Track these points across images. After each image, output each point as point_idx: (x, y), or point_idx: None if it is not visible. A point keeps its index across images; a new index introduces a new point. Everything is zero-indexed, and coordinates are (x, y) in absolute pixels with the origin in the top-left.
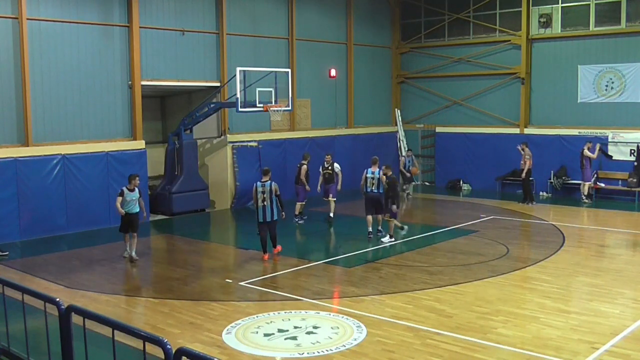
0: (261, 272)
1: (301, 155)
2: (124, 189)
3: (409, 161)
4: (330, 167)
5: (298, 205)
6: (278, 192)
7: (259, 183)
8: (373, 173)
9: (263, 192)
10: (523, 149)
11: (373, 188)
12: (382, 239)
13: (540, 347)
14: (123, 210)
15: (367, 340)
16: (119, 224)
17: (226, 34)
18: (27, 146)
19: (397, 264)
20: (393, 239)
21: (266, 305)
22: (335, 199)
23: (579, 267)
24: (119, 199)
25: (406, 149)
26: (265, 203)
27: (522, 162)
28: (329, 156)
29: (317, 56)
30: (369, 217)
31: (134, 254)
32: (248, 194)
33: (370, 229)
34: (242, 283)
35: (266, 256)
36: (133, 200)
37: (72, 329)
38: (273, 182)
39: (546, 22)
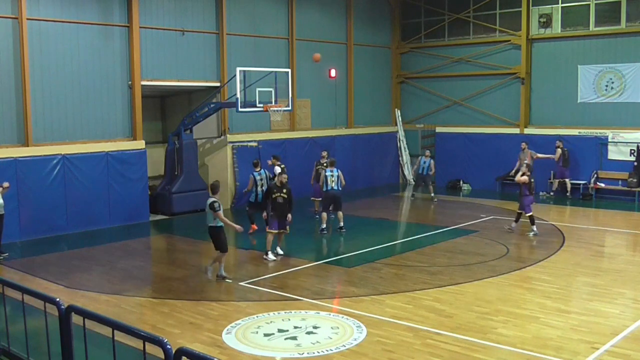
0: (261, 272)
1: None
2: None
3: (424, 162)
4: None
5: (317, 202)
6: (271, 177)
7: (255, 173)
8: (332, 171)
9: (261, 179)
10: (523, 149)
11: (333, 185)
12: (265, 257)
13: (540, 347)
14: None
15: (367, 340)
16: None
17: (226, 34)
18: (27, 146)
19: (397, 264)
20: (275, 258)
21: (266, 305)
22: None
23: (579, 267)
24: (219, 213)
25: (406, 149)
26: (263, 188)
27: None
28: (276, 160)
29: None
30: (324, 214)
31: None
32: (248, 194)
33: (324, 225)
34: (242, 283)
35: (254, 226)
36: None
37: (72, 329)
38: (265, 170)
39: (546, 22)
